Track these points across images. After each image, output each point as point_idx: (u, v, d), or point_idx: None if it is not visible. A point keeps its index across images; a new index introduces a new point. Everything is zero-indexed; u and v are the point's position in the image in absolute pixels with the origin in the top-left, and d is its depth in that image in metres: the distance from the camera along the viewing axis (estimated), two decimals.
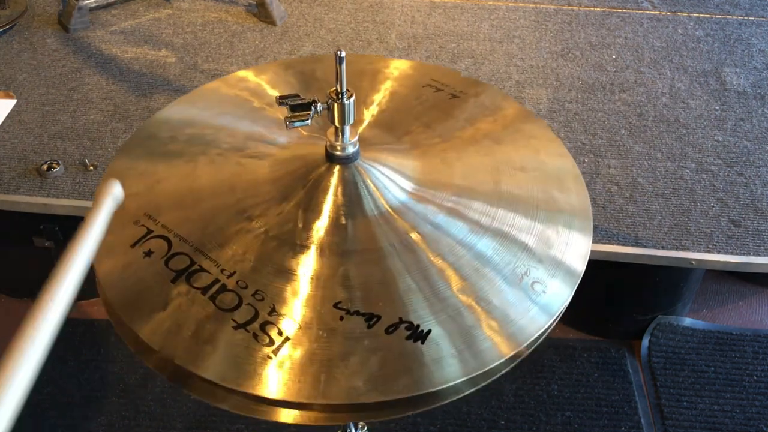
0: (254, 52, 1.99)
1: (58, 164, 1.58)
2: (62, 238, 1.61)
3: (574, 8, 2.22)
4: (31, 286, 1.75)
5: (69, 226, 1.59)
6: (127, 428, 1.49)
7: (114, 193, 0.65)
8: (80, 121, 1.73)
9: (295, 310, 0.70)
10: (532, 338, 0.69)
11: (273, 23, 2.10)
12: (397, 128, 0.91)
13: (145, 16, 2.13)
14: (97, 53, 1.97)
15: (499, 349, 0.68)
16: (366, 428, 1.15)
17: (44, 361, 0.48)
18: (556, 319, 0.72)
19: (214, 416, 1.50)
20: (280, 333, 0.68)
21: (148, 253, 0.75)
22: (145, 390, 1.54)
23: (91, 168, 1.59)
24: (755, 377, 1.60)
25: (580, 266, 0.76)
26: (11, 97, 1.80)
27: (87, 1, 2.04)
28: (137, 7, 2.17)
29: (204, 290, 0.71)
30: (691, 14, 2.21)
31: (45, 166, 1.58)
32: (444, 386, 0.65)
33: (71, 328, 1.67)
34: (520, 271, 0.75)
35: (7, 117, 1.74)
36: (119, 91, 1.83)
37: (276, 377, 0.65)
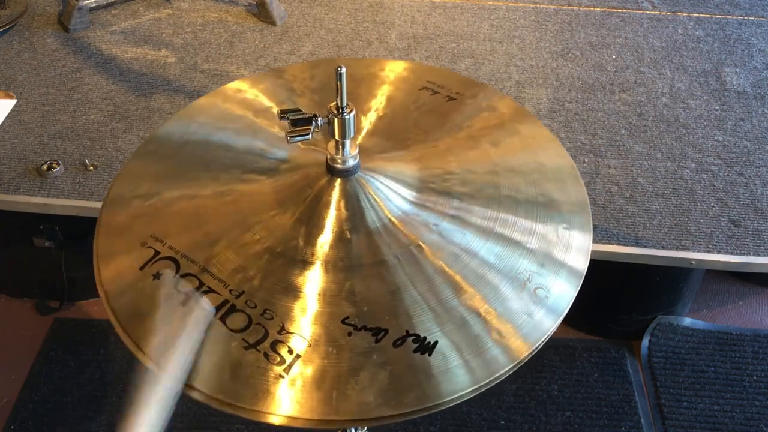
0: (254, 52, 1.99)
1: (58, 164, 1.58)
2: (62, 238, 1.61)
3: (574, 8, 2.22)
4: (31, 286, 1.75)
5: (69, 226, 1.59)
6: None
7: (205, 311, 0.69)
8: (80, 121, 1.73)
9: (304, 327, 0.70)
10: (540, 342, 0.70)
11: (273, 23, 2.10)
12: (395, 135, 0.92)
13: (145, 16, 2.13)
14: (97, 53, 1.97)
15: (506, 356, 0.69)
16: (366, 428, 1.15)
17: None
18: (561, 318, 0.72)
19: (214, 416, 1.50)
20: (290, 351, 0.68)
21: (157, 276, 0.75)
22: None
23: (91, 168, 1.59)
24: (755, 377, 1.60)
25: (583, 264, 0.77)
26: (11, 97, 1.80)
27: (87, 1, 2.04)
28: (137, 7, 2.17)
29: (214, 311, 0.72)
30: (691, 14, 2.21)
31: (45, 166, 1.58)
32: (453, 396, 0.65)
33: (71, 328, 1.67)
34: (523, 276, 0.75)
35: (7, 117, 1.74)
36: (119, 91, 1.83)
37: (289, 396, 0.66)
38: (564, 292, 0.74)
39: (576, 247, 0.79)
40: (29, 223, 1.59)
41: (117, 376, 1.57)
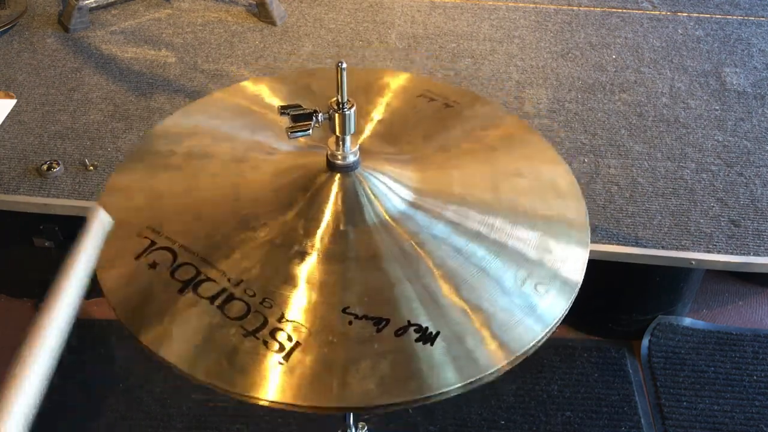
0: (254, 52, 1.99)
1: (58, 164, 1.58)
2: (62, 238, 1.61)
3: (574, 8, 2.22)
4: (31, 286, 1.75)
5: (69, 226, 1.59)
6: (127, 428, 1.49)
7: (101, 220, 0.67)
8: (80, 121, 1.73)
9: (304, 316, 0.71)
10: (530, 345, 0.70)
11: (273, 23, 2.10)
12: (395, 138, 0.92)
13: (145, 16, 2.13)
14: (97, 53, 1.97)
15: (501, 353, 0.69)
16: (366, 428, 1.15)
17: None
18: (555, 325, 0.73)
19: (214, 416, 1.50)
20: (290, 339, 0.68)
21: (153, 265, 0.75)
22: (145, 390, 1.54)
23: (91, 168, 1.59)
24: (755, 377, 1.60)
25: (577, 277, 0.77)
26: (11, 97, 1.80)
27: (87, 1, 2.04)
28: (137, 7, 2.17)
29: (211, 299, 0.72)
30: (691, 14, 2.21)
31: (45, 166, 1.58)
32: (454, 387, 0.66)
33: (71, 328, 1.67)
34: (520, 277, 0.75)
35: (7, 117, 1.74)
36: (119, 91, 1.83)
37: (288, 383, 0.66)
38: (557, 300, 0.75)
39: (573, 256, 0.79)
40: (29, 223, 1.59)
41: (117, 376, 1.58)
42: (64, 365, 1.68)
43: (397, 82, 1.04)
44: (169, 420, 1.49)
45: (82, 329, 1.67)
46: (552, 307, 0.74)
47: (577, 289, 0.76)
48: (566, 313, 0.74)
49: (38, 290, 1.74)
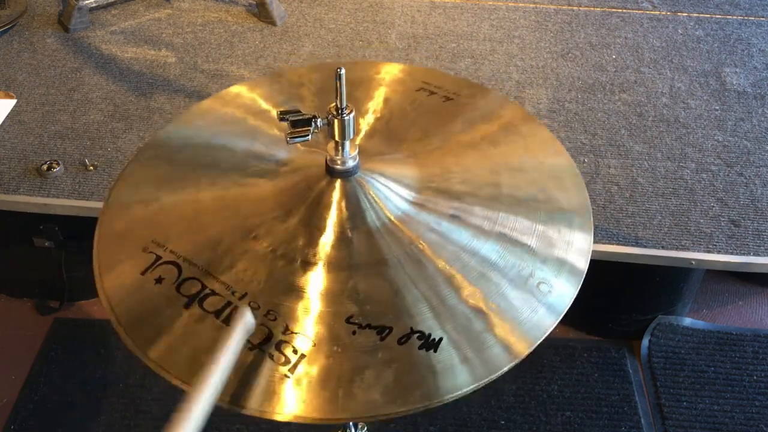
0: (254, 52, 1.99)
1: (58, 164, 1.58)
2: (62, 238, 1.61)
3: (574, 8, 2.22)
4: (31, 286, 1.75)
5: (69, 226, 1.59)
6: (127, 428, 1.49)
7: (246, 321, 0.67)
8: (80, 121, 1.73)
9: (309, 327, 0.70)
10: (542, 338, 0.70)
11: (273, 23, 2.10)
12: (394, 136, 0.92)
13: (145, 16, 2.13)
14: (97, 53, 1.97)
15: (509, 352, 0.69)
16: (366, 428, 1.15)
17: None
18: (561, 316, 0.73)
19: (214, 416, 1.49)
20: (295, 351, 0.68)
21: (159, 280, 0.75)
22: (145, 390, 1.54)
23: (91, 168, 1.59)
24: (755, 377, 1.60)
25: (583, 264, 0.77)
26: (11, 97, 1.80)
27: (87, 1, 2.04)
28: (137, 7, 2.17)
29: (217, 313, 0.72)
30: (691, 14, 2.21)
31: (45, 166, 1.58)
32: (459, 392, 0.65)
33: (71, 328, 1.67)
34: (525, 272, 0.75)
35: (7, 117, 1.74)
36: (119, 91, 1.83)
37: (294, 396, 0.66)
38: (565, 287, 0.74)
39: (577, 242, 0.79)
40: (29, 223, 1.59)
41: (117, 376, 1.57)
42: (64, 365, 1.68)
43: (394, 75, 1.03)
44: (169, 420, 1.49)
45: (82, 329, 1.67)
46: (559, 297, 0.73)
47: (583, 276, 0.76)
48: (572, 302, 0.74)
49: (38, 290, 1.75)
